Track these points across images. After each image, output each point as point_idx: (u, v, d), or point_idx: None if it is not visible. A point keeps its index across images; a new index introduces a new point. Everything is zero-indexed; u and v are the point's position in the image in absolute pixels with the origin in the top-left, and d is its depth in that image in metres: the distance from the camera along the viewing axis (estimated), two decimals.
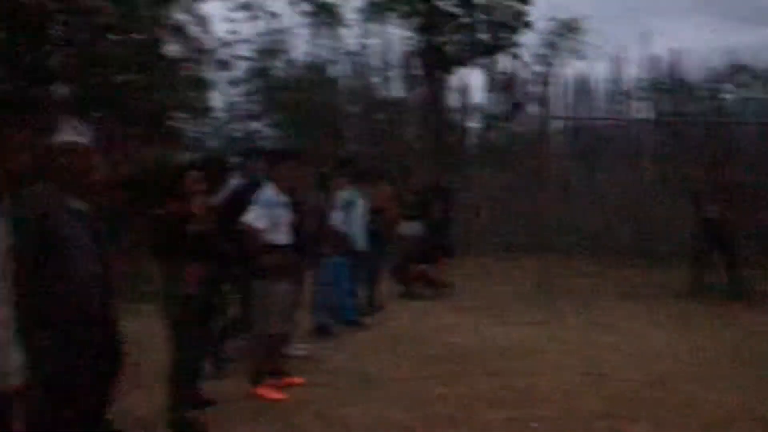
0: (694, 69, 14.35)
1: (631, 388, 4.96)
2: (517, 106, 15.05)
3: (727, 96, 15.04)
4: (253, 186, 5.16)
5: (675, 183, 12.30)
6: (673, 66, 14.31)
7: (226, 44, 14.05)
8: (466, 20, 14.60)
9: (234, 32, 14.20)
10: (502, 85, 15.03)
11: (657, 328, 7.03)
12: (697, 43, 30.82)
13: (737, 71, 15.18)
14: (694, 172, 10.41)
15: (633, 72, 14.52)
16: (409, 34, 14.89)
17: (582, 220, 13.37)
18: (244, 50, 14.49)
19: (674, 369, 5.48)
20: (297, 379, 5.10)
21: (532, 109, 15.05)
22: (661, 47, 21.13)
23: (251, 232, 4.76)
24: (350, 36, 15.20)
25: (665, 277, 9.71)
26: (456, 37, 14.81)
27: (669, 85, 14.43)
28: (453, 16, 14.59)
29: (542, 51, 15.94)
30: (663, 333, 6.83)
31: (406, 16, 14.71)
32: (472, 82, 15.08)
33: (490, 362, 5.72)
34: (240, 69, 14.60)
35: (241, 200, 5.03)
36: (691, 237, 9.34)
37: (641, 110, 14.76)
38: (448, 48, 14.77)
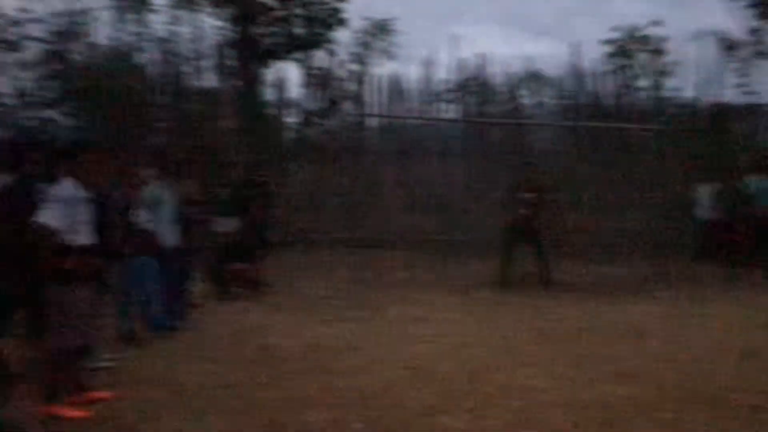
0: (496, 73, 15.29)
1: (450, 380, 5.07)
2: (333, 103, 15.12)
3: (525, 100, 16.20)
4: (30, 181, 4.58)
5: (482, 179, 13.00)
6: (479, 70, 15.13)
7: (15, 23, 12.67)
8: (282, 13, 14.39)
9: (24, 10, 12.84)
10: (318, 81, 15.01)
11: (471, 319, 7.33)
12: (498, 49, 33.07)
13: (532, 78, 16.40)
14: (505, 170, 11.12)
15: (442, 74, 15.17)
16: (222, 23, 14.39)
17: (396, 215, 13.71)
18: (36, 31, 13.16)
19: (490, 358, 5.70)
20: (102, 394, 4.63)
21: (348, 106, 15.20)
22: (468, 52, 22.38)
23: (45, 233, 4.23)
24: (159, 22, 14.38)
25: (475, 269, 10.19)
26: (271, 29, 14.55)
27: (475, 88, 15.23)
28: (268, 8, 14.31)
29: (357, 50, 16.15)
30: (477, 323, 7.12)
31: (218, 4, 14.20)
32: (288, 76, 14.93)
33: (310, 362, 5.59)
34: (31, 51, 13.24)
35: (19, 198, 4.44)
36: (502, 231, 9.90)
37: (450, 111, 15.46)
38: (263, 40, 14.47)
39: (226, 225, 8.83)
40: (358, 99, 14.96)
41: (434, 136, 14.75)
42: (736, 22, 16.37)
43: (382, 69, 15.70)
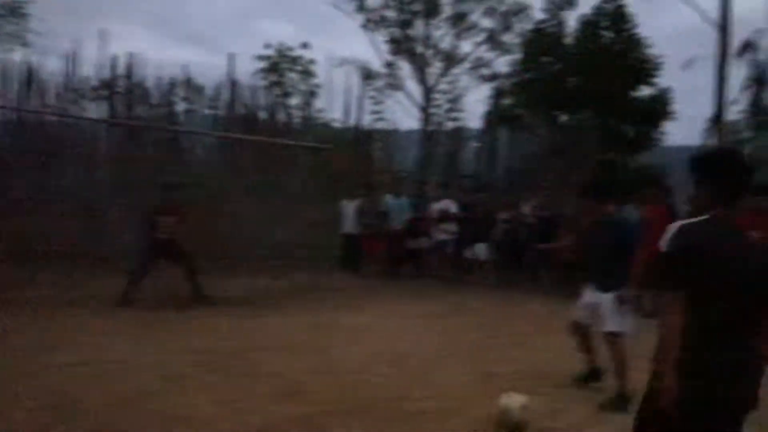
0: (147, 76, 14.46)
1: (96, 413, 4.45)
2: None
3: (178, 106, 15.67)
4: None
5: (131, 186, 12.07)
6: (129, 69, 14.16)
7: None
8: None
9: None
10: None
11: (118, 341, 6.57)
12: (147, 52, 31.73)
13: (186, 85, 15.95)
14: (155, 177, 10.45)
15: (87, 70, 13.87)
16: None
17: (25, 222, 12.01)
18: None
19: (144, 383, 5.15)
20: None
21: None
22: (116, 49, 20.95)
23: None
24: None
25: (122, 285, 9.26)
26: None
27: (124, 88, 14.21)
28: None
29: None
30: (125, 345, 6.41)
31: None
32: None
33: None
34: None
35: None
36: (141, 248, 9.19)
37: (95, 110, 14.19)
38: None
39: None
40: None
41: (77, 137, 13.28)
42: (376, 55, 18.13)
43: (12, 56, 13.70)
